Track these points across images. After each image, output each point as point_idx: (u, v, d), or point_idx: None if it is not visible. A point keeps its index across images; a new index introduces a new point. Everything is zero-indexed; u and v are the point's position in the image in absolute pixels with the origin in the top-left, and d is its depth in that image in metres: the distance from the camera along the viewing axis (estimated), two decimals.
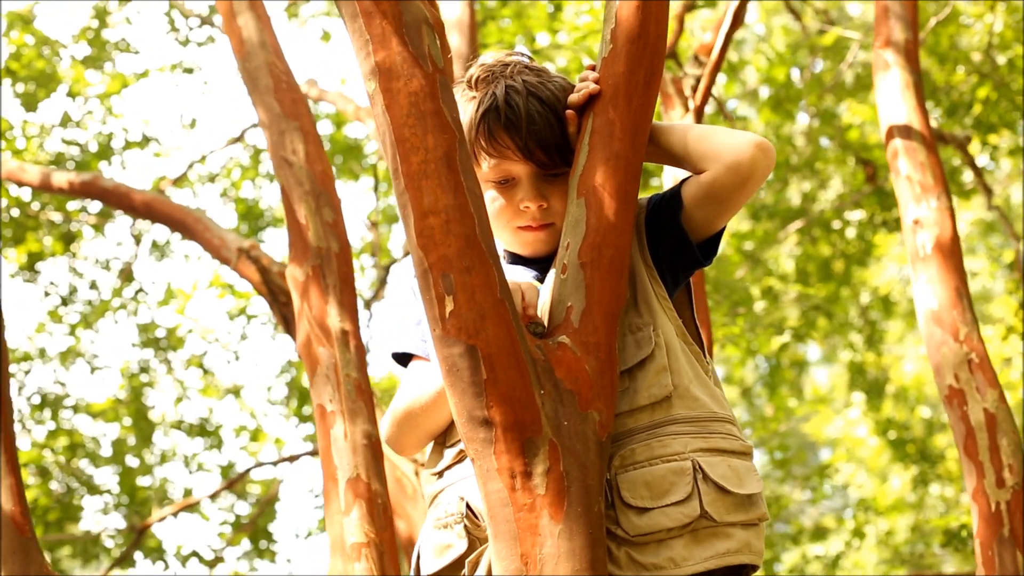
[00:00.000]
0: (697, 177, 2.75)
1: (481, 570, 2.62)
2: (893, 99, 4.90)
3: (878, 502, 13.55)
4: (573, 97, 2.79)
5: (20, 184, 8.03)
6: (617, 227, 2.66)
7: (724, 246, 12.65)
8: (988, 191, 9.43)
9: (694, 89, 5.42)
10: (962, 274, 4.56)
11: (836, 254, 11.96)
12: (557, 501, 2.40)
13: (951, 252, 4.57)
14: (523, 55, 3.00)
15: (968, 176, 12.07)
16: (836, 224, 11.94)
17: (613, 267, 2.63)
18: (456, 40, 7.28)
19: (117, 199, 6.76)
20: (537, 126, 2.80)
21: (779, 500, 11.92)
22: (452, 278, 2.49)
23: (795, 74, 11.54)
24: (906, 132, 4.79)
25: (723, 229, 2.84)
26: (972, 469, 4.23)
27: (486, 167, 2.83)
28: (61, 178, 7.23)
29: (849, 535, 12.50)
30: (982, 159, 12.42)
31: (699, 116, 5.39)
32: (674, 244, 2.79)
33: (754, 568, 2.68)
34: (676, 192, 2.79)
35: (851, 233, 12.03)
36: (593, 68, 2.82)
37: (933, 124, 10.99)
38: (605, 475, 2.52)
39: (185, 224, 6.25)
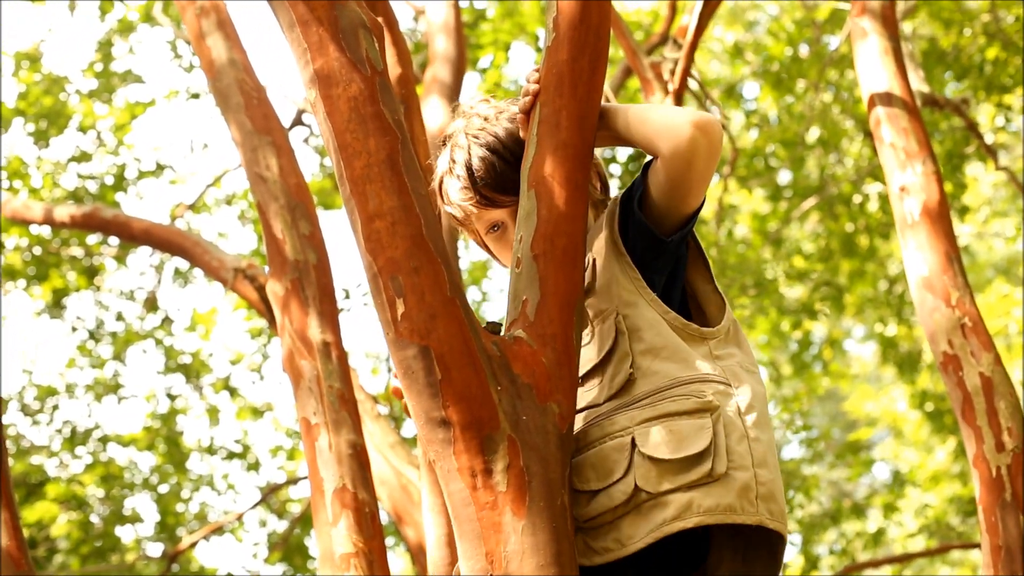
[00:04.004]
0: (655, 162, 2.73)
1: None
2: (873, 66, 4.86)
3: (912, 475, 13.47)
4: (521, 103, 2.79)
5: (26, 222, 8.09)
6: (568, 216, 2.63)
7: (745, 228, 12.60)
8: (992, 153, 9.32)
9: (672, 72, 5.40)
10: (952, 239, 4.50)
11: (859, 229, 11.87)
12: (519, 497, 2.39)
13: (939, 217, 4.51)
14: (484, 99, 3.05)
15: (989, 139, 11.97)
16: (856, 199, 11.85)
17: (567, 257, 2.61)
18: (443, 43, 7.29)
19: (117, 229, 6.81)
20: (484, 174, 2.85)
21: (805, 480, 11.84)
22: (401, 280, 2.48)
23: (803, 50, 11.48)
24: (887, 99, 4.75)
25: (699, 208, 2.79)
26: (971, 435, 4.17)
27: (475, 221, 2.91)
28: (63, 212, 7.27)
29: (883, 510, 12.41)
30: (998, 120, 12.31)
31: (678, 99, 5.37)
32: (636, 231, 2.76)
33: (721, 527, 2.56)
34: (643, 176, 2.77)
35: (872, 207, 11.94)
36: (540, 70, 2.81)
37: (941, 90, 10.95)
38: (568, 467, 2.50)
39: (184, 248, 6.29)
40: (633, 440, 2.56)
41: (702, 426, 2.58)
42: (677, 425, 2.57)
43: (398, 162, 2.54)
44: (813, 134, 11.59)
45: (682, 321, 2.70)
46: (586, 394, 2.69)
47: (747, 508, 2.55)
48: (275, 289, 4.19)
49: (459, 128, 2.95)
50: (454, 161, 2.90)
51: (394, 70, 3.78)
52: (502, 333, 2.59)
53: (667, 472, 2.54)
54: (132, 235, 6.70)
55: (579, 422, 2.66)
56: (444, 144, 2.98)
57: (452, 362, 2.44)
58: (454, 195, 2.90)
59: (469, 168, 2.87)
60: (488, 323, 2.60)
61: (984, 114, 12.46)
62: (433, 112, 6.82)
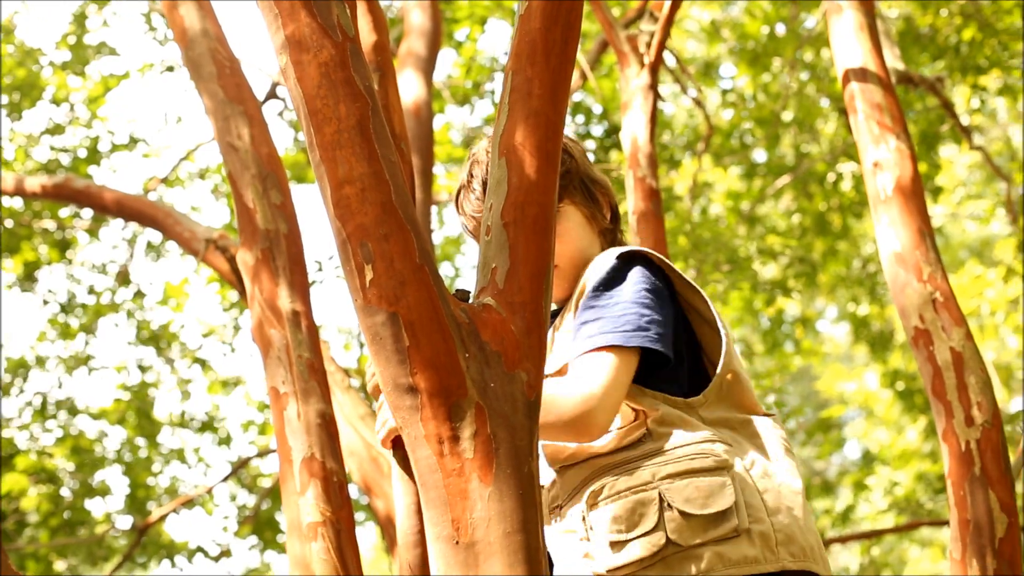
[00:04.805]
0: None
1: None
2: (848, 42, 4.85)
3: (883, 453, 13.53)
4: None
5: None
6: (539, 185, 2.62)
7: (719, 206, 12.59)
8: (967, 132, 9.33)
9: (648, 45, 5.38)
10: (924, 215, 4.50)
11: (832, 208, 11.90)
12: (486, 464, 2.38)
13: (912, 193, 4.51)
14: None
15: (964, 120, 11.99)
16: (830, 177, 11.87)
17: (538, 225, 2.60)
18: (418, 16, 7.26)
19: (89, 199, 6.76)
20: None
21: None
22: (370, 247, 2.46)
23: (780, 29, 11.48)
24: (862, 75, 4.74)
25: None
26: (941, 409, 4.18)
27: None
28: (34, 183, 7.21)
29: (852, 488, 12.49)
30: (974, 102, 12.34)
31: (654, 72, 5.35)
32: None
33: None
34: None
35: (846, 186, 11.96)
36: None
37: (918, 71, 10.95)
38: (535, 434, 2.50)
39: (155, 219, 6.25)
40: (661, 494, 2.71)
41: (724, 484, 2.73)
42: (701, 482, 2.72)
43: (368, 128, 2.52)
44: (789, 113, 11.60)
45: (668, 399, 2.85)
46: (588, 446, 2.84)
47: (768, 557, 2.70)
48: (245, 258, 4.18)
49: (483, 146, 3.11)
50: (472, 176, 3.09)
51: (370, 37, 3.76)
52: (471, 301, 2.59)
53: (697, 527, 2.68)
54: (103, 206, 6.66)
55: (585, 471, 2.83)
56: (468, 160, 3.14)
57: (420, 329, 2.42)
58: (468, 207, 3.09)
59: (485, 183, 3.00)
60: (457, 290, 2.60)
61: (960, 95, 12.49)
62: (408, 85, 6.80)
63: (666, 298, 2.91)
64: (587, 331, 2.85)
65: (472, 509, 2.36)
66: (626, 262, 2.93)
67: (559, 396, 2.79)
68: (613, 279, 2.92)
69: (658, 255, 2.96)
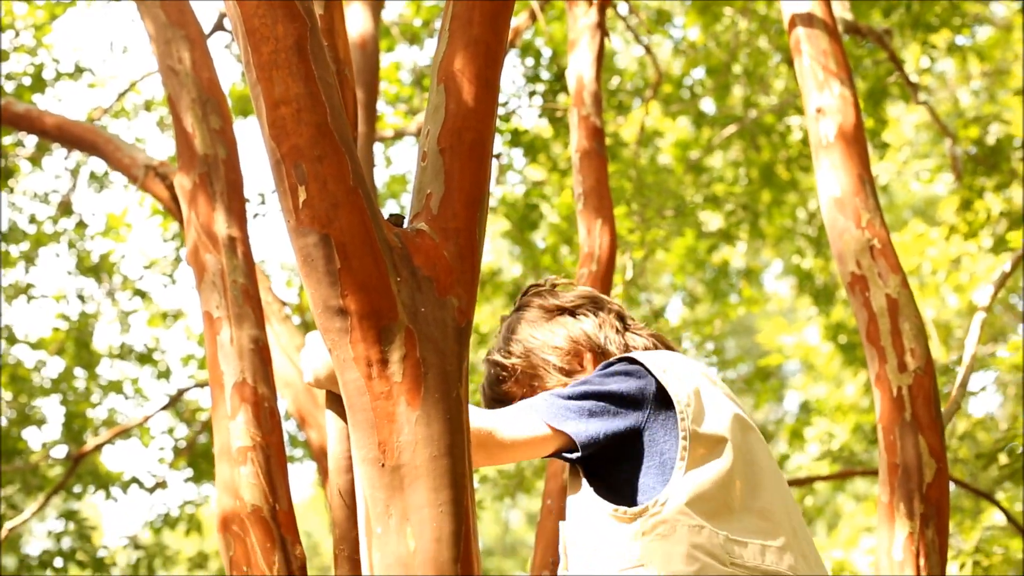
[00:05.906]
0: None
1: None
2: None
3: (821, 405, 13.61)
4: None
5: None
6: (477, 112, 2.62)
7: (667, 156, 12.58)
8: (913, 87, 9.35)
9: None
10: (865, 161, 4.52)
11: (780, 159, 11.91)
12: (414, 388, 2.38)
13: (854, 139, 4.52)
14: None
15: (913, 79, 12.00)
16: (779, 129, 11.87)
17: (474, 152, 2.60)
18: None
19: (28, 123, 6.65)
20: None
21: None
22: (304, 168, 2.45)
23: None
24: (808, 20, 4.74)
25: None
26: (874, 354, 4.21)
27: None
28: None
29: (788, 437, 12.56)
30: (923, 61, 12.37)
31: (601, 11, 5.33)
32: None
33: None
34: None
35: (796, 136, 11.95)
36: None
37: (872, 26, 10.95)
38: (465, 360, 2.50)
39: (96, 145, 6.16)
40: None
41: None
42: None
43: (306, 49, 2.51)
44: (739, 66, 11.59)
45: (611, 507, 2.68)
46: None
47: None
48: (183, 183, 4.15)
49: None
50: None
51: None
52: (405, 226, 2.58)
53: None
54: (44, 130, 6.56)
55: None
56: None
57: (352, 251, 2.42)
58: None
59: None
60: (391, 215, 2.59)
61: (910, 54, 12.51)
62: (354, 18, 6.73)
63: (620, 399, 2.76)
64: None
65: (399, 432, 2.36)
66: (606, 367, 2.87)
67: (485, 415, 2.79)
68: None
69: (649, 357, 2.83)
